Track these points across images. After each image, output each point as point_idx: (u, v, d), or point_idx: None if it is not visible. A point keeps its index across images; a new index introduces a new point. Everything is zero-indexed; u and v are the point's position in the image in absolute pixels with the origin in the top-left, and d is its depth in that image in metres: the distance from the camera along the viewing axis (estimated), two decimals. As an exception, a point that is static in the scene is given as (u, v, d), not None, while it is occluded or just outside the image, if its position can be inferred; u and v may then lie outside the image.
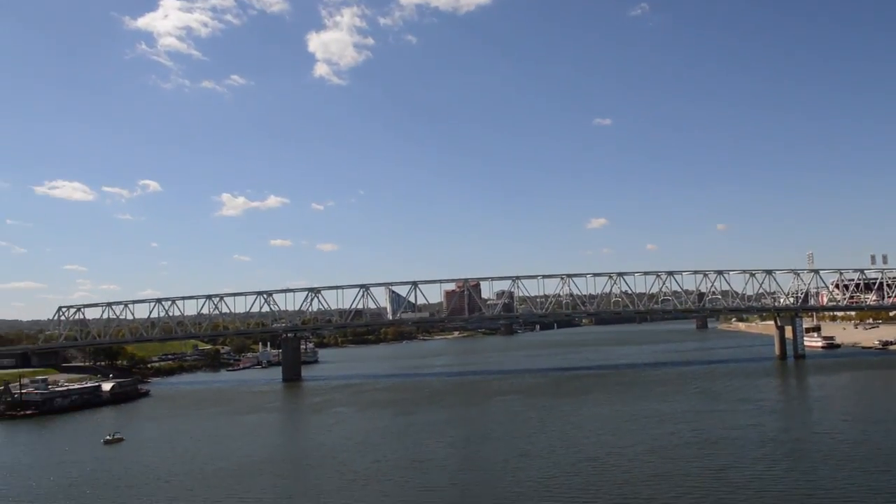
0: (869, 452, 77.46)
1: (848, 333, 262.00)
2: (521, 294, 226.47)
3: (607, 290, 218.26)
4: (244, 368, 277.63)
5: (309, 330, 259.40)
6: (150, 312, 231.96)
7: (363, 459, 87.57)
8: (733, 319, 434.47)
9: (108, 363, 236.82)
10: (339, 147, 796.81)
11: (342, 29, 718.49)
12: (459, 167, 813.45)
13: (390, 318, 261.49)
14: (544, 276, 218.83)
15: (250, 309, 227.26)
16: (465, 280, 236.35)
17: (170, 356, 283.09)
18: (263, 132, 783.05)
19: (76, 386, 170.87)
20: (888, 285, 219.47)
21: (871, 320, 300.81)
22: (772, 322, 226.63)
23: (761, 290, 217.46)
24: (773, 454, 79.16)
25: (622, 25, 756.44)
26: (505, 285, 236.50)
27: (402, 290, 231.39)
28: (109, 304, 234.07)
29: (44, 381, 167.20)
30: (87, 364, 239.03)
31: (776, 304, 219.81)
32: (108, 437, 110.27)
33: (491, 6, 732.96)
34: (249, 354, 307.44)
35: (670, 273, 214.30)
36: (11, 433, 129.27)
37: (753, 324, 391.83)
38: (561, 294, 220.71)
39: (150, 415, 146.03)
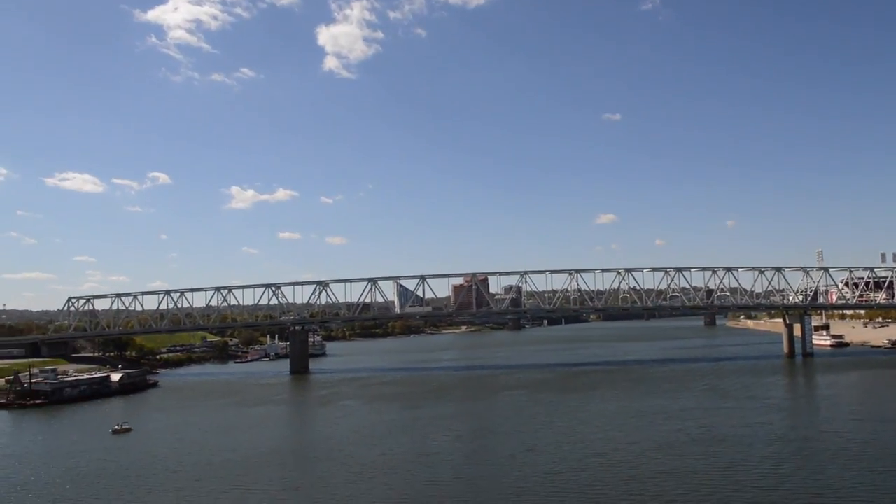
0: (878, 452, 77.14)
1: (857, 332, 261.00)
2: (528, 289, 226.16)
3: (615, 285, 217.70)
4: (252, 361, 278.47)
5: (317, 323, 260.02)
6: (159, 304, 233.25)
7: (370, 452, 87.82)
8: (742, 317, 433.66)
9: (117, 354, 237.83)
10: (348, 141, 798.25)
11: (352, 22, 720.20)
12: (468, 161, 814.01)
13: (398, 311, 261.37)
14: (552, 272, 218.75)
15: (258, 301, 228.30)
16: (473, 274, 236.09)
17: (178, 348, 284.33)
18: (272, 125, 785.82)
19: (85, 376, 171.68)
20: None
21: (880, 319, 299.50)
22: (780, 320, 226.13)
23: (770, 288, 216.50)
24: (781, 453, 78.96)
25: (632, 20, 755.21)
26: (513, 280, 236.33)
27: (410, 284, 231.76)
28: (119, 296, 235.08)
29: (53, 371, 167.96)
30: (96, 355, 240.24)
31: (785, 301, 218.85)
32: (116, 427, 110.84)
33: (500, 0, 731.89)
34: (257, 347, 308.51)
35: (679, 269, 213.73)
36: (21, 422, 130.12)
37: (762, 321, 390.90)
38: (569, 289, 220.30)
39: (159, 406, 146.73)
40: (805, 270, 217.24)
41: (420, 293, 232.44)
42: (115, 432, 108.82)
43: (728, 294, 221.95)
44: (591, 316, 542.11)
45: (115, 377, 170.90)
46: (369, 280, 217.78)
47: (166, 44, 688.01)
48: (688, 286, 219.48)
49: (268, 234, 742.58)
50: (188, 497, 68.78)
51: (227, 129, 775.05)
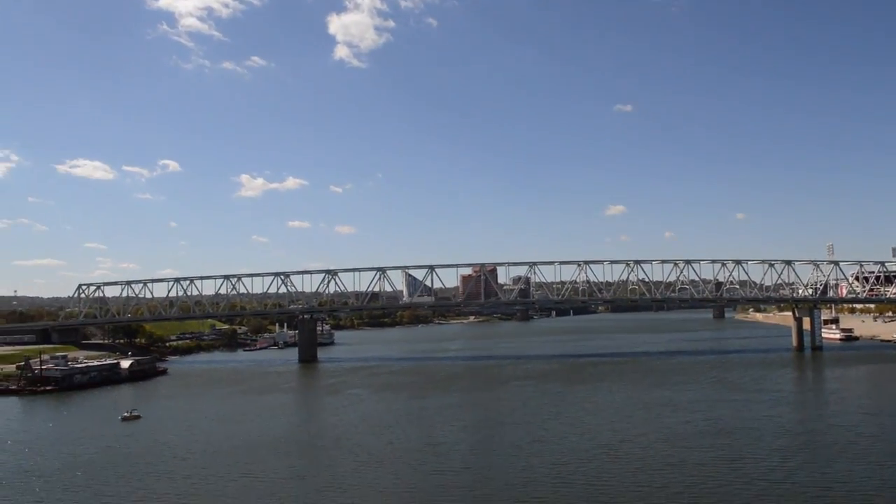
0: (887, 447, 77.02)
1: (867, 326, 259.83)
2: (537, 280, 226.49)
3: (624, 277, 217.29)
4: (261, 349, 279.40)
5: (325, 312, 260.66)
6: (169, 291, 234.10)
7: (377, 441, 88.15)
8: (751, 309, 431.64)
9: (127, 341, 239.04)
10: (358, 130, 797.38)
11: (363, 11, 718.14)
12: (478, 152, 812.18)
13: (406, 301, 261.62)
14: (561, 263, 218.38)
15: (268, 290, 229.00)
16: (482, 265, 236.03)
17: (187, 335, 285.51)
18: (282, 114, 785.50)
19: (95, 363, 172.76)
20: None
21: (890, 313, 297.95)
22: (790, 313, 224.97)
23: (780, 281, 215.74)
24: (789, 446, 78.87)
25: (644, 11, 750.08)
26: (521, 271, 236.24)
27: (419, 274, 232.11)
28: (129, 283, 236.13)
29: (64, 357, 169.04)
30: (106, 342, 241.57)
31: (794, 294, 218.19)
32: (125, 414, 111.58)
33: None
34: (266, 335, 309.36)
35: (688, 262, 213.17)
36: (32, 408, 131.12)
37: (771, 314, 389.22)
38: (577, 281, 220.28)
39: (168, 393, 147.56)
40: (815, 264, 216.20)
41: (428, 283, 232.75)
42: (125, 419, 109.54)
43: (737, 287, 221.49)
44: (600, 307, 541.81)
45: (125, 364, 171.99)
46: (378, 269, 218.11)
47: (177, 31, 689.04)
48: (697, 278, 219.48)
49: (277, 223, 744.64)
50: (197, 484, 69.23)
51: (238, 118, 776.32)
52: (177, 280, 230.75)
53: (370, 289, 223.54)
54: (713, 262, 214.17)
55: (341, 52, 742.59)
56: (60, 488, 69.57)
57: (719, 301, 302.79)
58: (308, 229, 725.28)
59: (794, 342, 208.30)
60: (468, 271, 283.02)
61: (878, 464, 69.31)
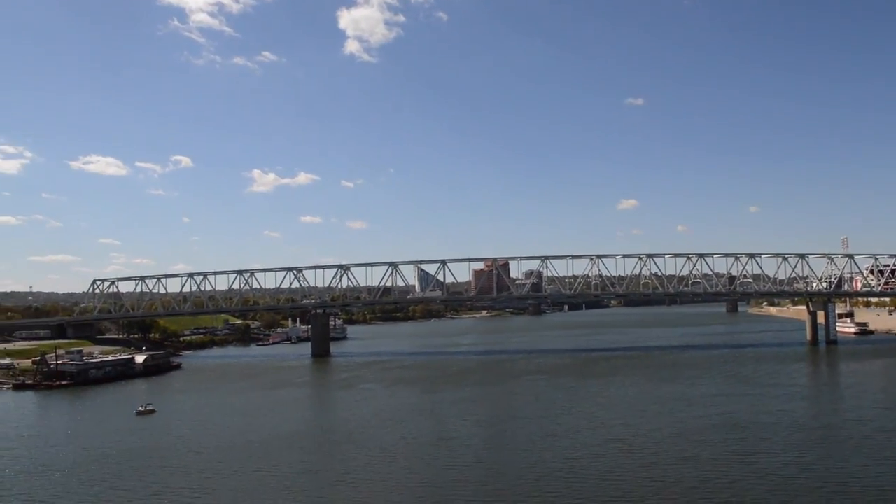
0: (902, 441, 76.42)
1: (882, 320, 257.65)
2: (549, 274, 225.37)
3: (637, 271, 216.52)
4: (274, 343, 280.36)
5: (338, 306, 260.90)
6: (182, 287, 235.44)
7: (390, 436, 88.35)
8: (764, 304, 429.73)
9: (141, 336, 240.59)
10: (369, 125, 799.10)
11: (373, 5, 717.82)
12: (489, 146, 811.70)
13: (419, 295, 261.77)
14: (573, 257, 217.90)
15: (280, 285, 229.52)
16: (494, 259, 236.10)
17: (201, 330, 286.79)
18: (294, 109, 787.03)
19: (110, 358, 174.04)
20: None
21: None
22: (804, 307, 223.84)
23: (794, 275, 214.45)
24: (804, 441, 78.43)
25: (655, 3, 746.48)
26: (534, 265, 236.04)
27: (431, 269, 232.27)
28: (142, 278, 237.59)
29: (79, 352, 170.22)
30: (120, 336, 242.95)
31: (809, 288, 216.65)
32: (140, 409, 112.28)
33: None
34: (279, 330, 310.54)
35: (701, 255, 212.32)
36: (48, 403, 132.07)
37: (785, 308, 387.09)
38: (590, 275, 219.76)
39: (182, 387, 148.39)
40: (829, 257, 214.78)
41: (441, 278, 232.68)
42: (139, 413, 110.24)
43: (751, 281, 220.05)
44: (612, 302, 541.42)
45: (140, 359, 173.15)
46: (390, 264, 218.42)
47: (188, 27, 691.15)
48: (710, 272, 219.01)
49: (289, 218, 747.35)
50: (211, 478, 69.56)
51: (249, 113, 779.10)
52: (190, 275, 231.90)
53: (382, 283, 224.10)
54: (726, 255, 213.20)
55: (352, 46, 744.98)
56: (76, 482, 70.08)
57: (732, 295, 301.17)
58: (320, 224, 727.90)
59: (809, 336, 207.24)
60: (480, 266, 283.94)
61: (894, 459, 68.76)
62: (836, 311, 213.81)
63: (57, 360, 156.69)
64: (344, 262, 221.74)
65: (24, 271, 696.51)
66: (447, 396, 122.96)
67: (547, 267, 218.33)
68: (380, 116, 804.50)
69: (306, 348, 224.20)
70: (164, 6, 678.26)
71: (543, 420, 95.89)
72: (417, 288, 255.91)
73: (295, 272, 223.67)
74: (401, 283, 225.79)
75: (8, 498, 65.35)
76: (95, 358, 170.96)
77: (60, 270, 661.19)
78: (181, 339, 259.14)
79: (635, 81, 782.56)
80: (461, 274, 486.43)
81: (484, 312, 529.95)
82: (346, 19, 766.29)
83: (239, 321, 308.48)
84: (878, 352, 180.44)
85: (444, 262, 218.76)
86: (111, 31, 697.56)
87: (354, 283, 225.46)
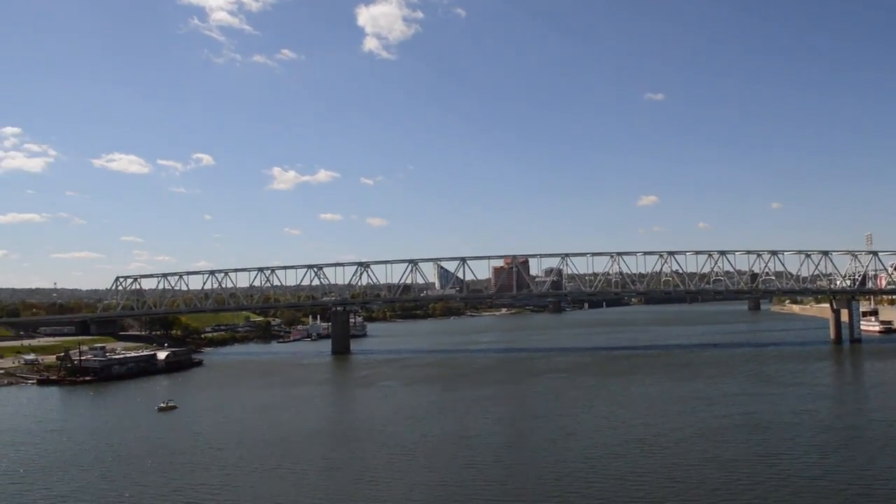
0: (928, 443, 75.23)
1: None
2: (569, 272, 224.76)
3: (657, 269, 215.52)
4: (294, 341, 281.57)
5: (358, 304, 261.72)
6: (204, 284, 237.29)
7: (410, 433, 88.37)
8: (787, 301, 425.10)
9: (163, 333, 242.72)
10: (388, 121, 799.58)
11: (391, 2, 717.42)
12: (509, 142, 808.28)
13: (438, 292, 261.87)
14: (593, 254, 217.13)
15: (301, 282, 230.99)
16: (514, 257, 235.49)
17: (222, 327, 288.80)
18: (313, 107, 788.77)
19: (133, 354, 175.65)
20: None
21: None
22: (827, 305, 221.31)
23: (817, 272, 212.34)
24: (828, 442, 77.38)
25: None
26: (553, 262, 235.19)
27: (451, 266, 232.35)
28: (165, 275, 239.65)
29: (102, 348, 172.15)
30: (143, 333, 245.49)
31: (832, 286, 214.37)
32: (162, 405, 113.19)
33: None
34: (300, 327, 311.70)
35: (722, 253, 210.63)
36: (71, 398, 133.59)
37: (808, 306, 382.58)
38: (610, 272, 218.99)
39: (203, 384, 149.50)
40: (853, 254, 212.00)
41: (460, 275, 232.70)
42: (161, 410, 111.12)
43: (773, 278, 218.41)
44: (633, 299, 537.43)
45: (162, 355, 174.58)
46: (410, 262, 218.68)
47: (208, 26, 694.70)
48: (732, 270, 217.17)
49: (309, 215, 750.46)
50: (231, 475, 69.90)
51: (269, 111, 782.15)
52: (211, 272, 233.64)
53: (402, 281, 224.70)
54: (748, 252, 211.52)
55: (370, 43, 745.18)
56: (98, 477, 70.72)
57: (755, 293, 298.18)
58: (340, 221, 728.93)
59: (832, 334, 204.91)
60: (500, 263, 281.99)
61: (920, 461, 67.80)
62: (861, 309, 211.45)
63: (80, 356, 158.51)
64: (364, 260, 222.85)
65: (48, 268, 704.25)
66: (467, 394, 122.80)
67: (567, 264, 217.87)
68: (399, 113, 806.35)
69: (326, 345, 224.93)
70: (184, 5, 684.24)
71: (563, 419, 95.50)
72: (437, 285, 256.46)
73: (315, 269, 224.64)
74: (420, 281, 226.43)
75: (31, 492, 66.11)
76: (118, 354, 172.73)
77: (84, 267, 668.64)
78: (203, 335, 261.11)
79: (655, 76, 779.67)
80: (481, 271, 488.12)
81: (504, 310, 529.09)
82: (365, 16, 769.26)
83: (260, 318, 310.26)
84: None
85: (463, 260, 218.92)
86: (132, 30, 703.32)
87: (374, 280, 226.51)
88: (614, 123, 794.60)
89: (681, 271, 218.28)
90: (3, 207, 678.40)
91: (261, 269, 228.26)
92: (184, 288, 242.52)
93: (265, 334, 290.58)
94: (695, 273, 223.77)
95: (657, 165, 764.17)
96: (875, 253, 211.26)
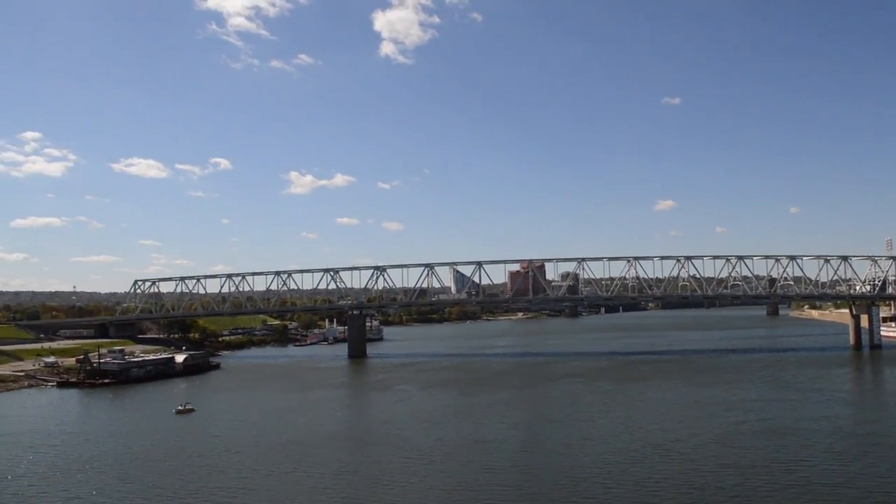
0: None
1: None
2: (586, 276, 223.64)
3: (675, 273, 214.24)
4: (311, 344, 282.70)
5: (374, 308, 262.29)
6: (221, 287, 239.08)
7: (426, 437, 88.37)
8: (806, 307, 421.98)
9: (181, 336, 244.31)
10: (405, 126, 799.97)
11: (407, 7, 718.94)
12: (525, 147, 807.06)
13: (454, 297, 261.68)
14: (610, 259, 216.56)
15: (317, 286, 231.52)
16: (530, 261, 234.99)
17: (239, 330, 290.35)
18: (330, 111, 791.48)
19: (151, 357, 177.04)
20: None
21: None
22: (846, 310, 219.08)
23: (836, 277, 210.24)
24: (848, 450, 76.56)
25: (692, 2, 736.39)
26: (570, 267, 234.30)
27: (467, 270, 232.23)
28: (183, 279, 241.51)
29: (121, 351, 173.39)
30: (161, 336, 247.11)
31: (852, 291, 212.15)
32: (179, 408, 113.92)
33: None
34: (316, 330, 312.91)
35: (740, 257, 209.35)
36: (90, 400, 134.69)
37: (827, 312, 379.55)
38: (627, 277, 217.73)
39: (220, 387, 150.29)
40: (873, 259, 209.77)
41: (476, 279, 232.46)
42: (179, 412, 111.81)
43: (792, 283, 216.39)
44: (650, 304, 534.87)
45: (179, 358, 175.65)
46: (426, 265, 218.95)
47: (226, 31, 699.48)
48: (750, 275, 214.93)
49: (326, 219, 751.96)
50: (248, 478, 70.12)
51: (286, 116, 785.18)
52: (229, 276, 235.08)
53: (418, 285, 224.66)
54: (766, 257, 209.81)
55: (387, 48, 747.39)
56: (116, 479, 71.19)
57: (773, 298, 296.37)
58: (356, 226, 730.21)
59: (852, 340, 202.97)
60: (516, 267, 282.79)
61: (942, 468, 67.00)
62: (881, 315, 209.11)
63: (100, 359, 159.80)
64: (380, 264, 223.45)
65: (68, 272, 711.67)
66: (483, 399, 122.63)
67: (583, 269, 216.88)
68: (415, 118, 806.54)
69: (343, 349, 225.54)
70: (202, 11, 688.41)
71: (580, 424, 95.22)
72: (453, 289, 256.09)
73: (332, 273, 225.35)
74: (436, 285, 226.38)
75: (50, 494, 66.68)
76: (137, 357, 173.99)
77: (103, 271, 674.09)
78: (220, 339, 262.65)
79: (672, 80, 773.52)
80: (497, 275, 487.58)
81: (520, 314, 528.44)
82: (382, 21, 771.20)
83: (277, 322, 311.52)
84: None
85: (479, 264, 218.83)
86: (151, 36, 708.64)
87: (390, 284, 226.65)
88: (631, 128, 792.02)
89: (698, 276, 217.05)
90: (23, 211, 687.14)
91: (278, 273, 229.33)
92: (201, 291, 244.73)
93: (282, 338, 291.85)
94: (712, 278, 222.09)
95: (674, 169, 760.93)
96: (895, 258, 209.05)
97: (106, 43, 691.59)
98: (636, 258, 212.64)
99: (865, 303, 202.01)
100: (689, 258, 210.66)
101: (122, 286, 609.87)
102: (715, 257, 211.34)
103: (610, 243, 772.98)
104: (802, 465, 69.39)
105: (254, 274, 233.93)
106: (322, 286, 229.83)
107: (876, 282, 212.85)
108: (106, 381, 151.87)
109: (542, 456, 77.84)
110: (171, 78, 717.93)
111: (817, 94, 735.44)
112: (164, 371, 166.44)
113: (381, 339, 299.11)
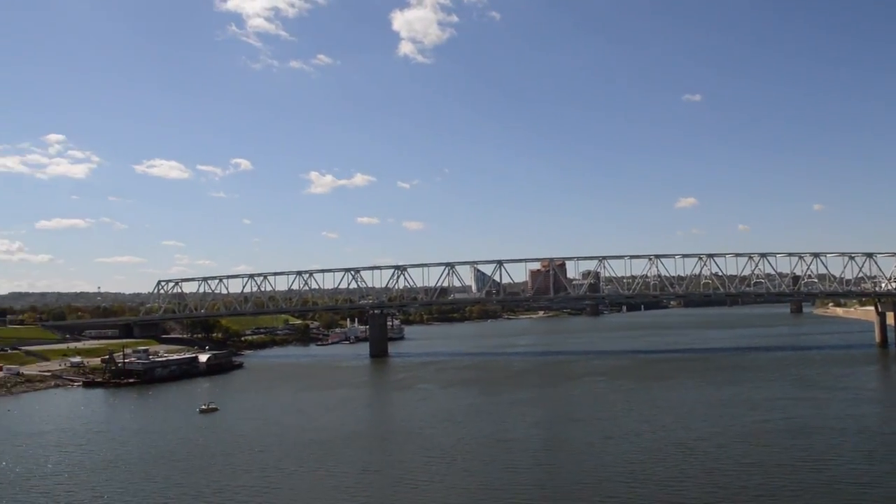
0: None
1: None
2: (607, 274, 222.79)
3: (697, 271, 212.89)
4: (333, 343, 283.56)
5: (395, 307, 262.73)
6: (244, 287, 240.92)
7: (448, 436, 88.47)
8: (830, 304, 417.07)
9: (204, 335, 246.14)
10: (424, 125, 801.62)
11: (426, 6, 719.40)
12: (545, 145, 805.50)
13: (475, 296, 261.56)
14: (631, 257, 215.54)
15: (339, 285, 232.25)
16: (551, 259, 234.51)
17: (262, 330, 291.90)
18: (349, 111, 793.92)
19: (175, 357, 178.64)
20: None
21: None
22: (872, 308, 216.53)
23: (861, 275, 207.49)
24: (875, 449, 75.52)
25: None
26: (591, 265, 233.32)
27: (487, 269, 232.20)
28: (205, 279, 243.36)
29: (145, 351, 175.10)
30: (184, 336, 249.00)
31: (877, 289, 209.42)
32: (203, 407, 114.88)
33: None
34: (338, 330, 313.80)
35: (763, 255, 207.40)
36: (116, 400, 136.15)
37: (852, 309, 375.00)
38: (648, 275, 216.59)
39: (243, 386, 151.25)
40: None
41: (497, 278, 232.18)
42: (203, 411, 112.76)
43: (816, 281, 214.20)
44: (672, 302, 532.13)
45: (203, 358, 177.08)
46: (446, 265, 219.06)
47: (246, 32, 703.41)
48: (773, 272, 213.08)
49: (346, 219, 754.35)
50: (271, 477, 70.65)
51: (306, 116, 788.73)
52: (251, 276, 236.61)
53: (439, 284, 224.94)
54: (790, 255, 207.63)
55: (406, 48, 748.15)
56: (141, 478, 71.96)
57: (796, 296, 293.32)
58: (377, 225, 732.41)
59: (878, 338, 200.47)
60: (537, 266, 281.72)
61: (971, 467, 66.05)
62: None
63: (124, 359, 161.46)
64: (401, 263, 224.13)
65: (92, 272, 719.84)
66: (505, 398, 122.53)
67: (604, 267, 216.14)
68: (434, 117, 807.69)
69: (364, 348, 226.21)
70: (222, 12, 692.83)
71: (602, 422, 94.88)
72: (474, 288, 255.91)
73: (353, 273, 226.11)
74: (457, 284, 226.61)
75: (76, 492, 67.58)
76: (161, 357, 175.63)
77: (127, 271, 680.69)
78: (243, 338, 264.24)
79: (692, 77, 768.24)
80: (517, 274, 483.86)
81: (541, 313, 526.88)
82: (400, 21, 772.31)
83: (298, 321, 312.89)
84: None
85: (500, 263, 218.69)
86: (172, 38, 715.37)
87: (411, 283, 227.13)
88: (651, 125, 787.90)
89: (720, 274, 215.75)
90: (48, 213, 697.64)
91: (299, 273, 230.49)
92: (224, 291, 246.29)
93: (304, 337, 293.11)
94: (735, 276, 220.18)
95: (695, 167, 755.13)
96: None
97: (128, 46, 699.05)
98: (658, 256, 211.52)
99: (891, 300, 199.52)
100: (711, 256, 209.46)
101: (145, 286, 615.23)
102: (737, 255, 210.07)
103: (631, 241, 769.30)
104: (829, 465, 68.68)
105: (275, 274, 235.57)
106: (343, 286, 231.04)
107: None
108: (131, 380, 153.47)
109: (564, 455, 77.69)
110: (191, 80, 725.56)
111: (839, 91, 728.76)
112: (188, 371, 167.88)
113: (402, 339, 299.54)
